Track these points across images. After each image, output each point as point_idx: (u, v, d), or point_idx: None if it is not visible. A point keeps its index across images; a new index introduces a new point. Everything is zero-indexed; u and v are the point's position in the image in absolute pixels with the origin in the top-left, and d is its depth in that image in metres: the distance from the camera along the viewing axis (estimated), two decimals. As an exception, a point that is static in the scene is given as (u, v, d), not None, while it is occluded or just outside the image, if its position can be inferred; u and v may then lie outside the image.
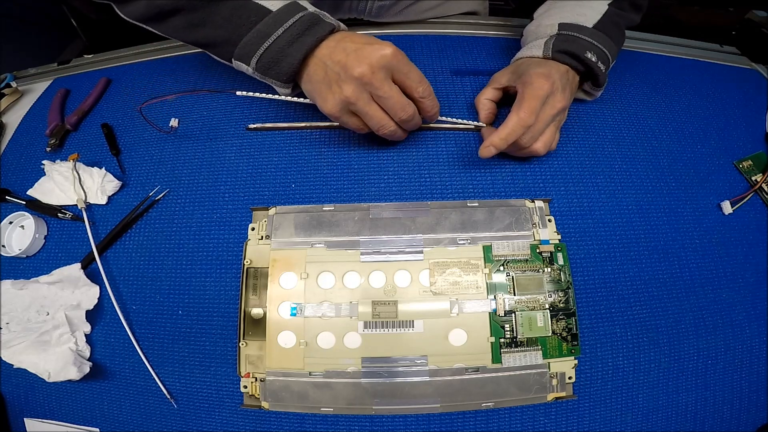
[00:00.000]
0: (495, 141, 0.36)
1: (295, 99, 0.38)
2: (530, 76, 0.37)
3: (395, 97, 0.34)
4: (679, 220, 0.39)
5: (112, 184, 0.40)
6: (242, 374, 0.35)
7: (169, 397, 0.35)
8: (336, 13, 0.49)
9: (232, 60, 0.36)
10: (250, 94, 0.37)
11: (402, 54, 0.33)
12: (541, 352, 0.34)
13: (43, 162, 0.41)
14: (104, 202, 0.40)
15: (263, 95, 0.37)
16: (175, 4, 0.35)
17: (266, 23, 0.34)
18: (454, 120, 0.41)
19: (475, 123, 0.42)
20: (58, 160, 0.42)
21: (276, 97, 0.38)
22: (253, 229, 0.38)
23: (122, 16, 0.39)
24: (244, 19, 0.34)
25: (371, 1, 0.48)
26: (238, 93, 0.37)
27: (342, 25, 0.37)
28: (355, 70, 0.32)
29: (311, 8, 0.36)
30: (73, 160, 0.41)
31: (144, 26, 0.39)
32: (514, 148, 0.37)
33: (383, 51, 0.32)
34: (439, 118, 0.41)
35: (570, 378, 0.34)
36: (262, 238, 0.37)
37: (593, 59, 0.38)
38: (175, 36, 0.38)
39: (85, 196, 0.39)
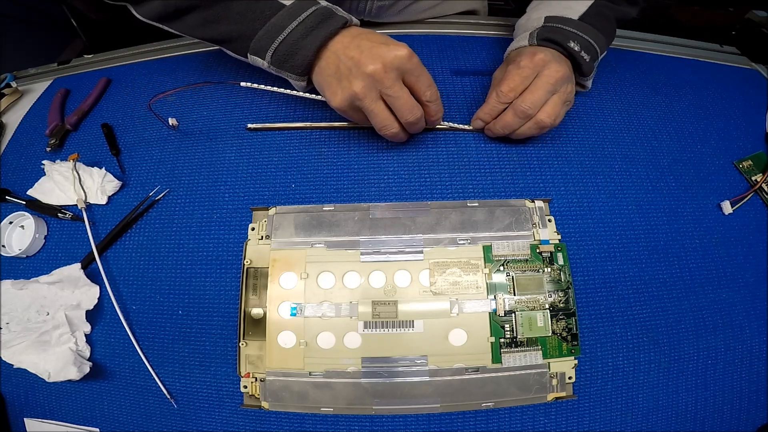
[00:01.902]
0: (480, 115, 0.39)
1: (298, 93, 0.38)
2: (517, 57, 0.38)
3: (404, 97, 0.34)
4: (679, 220, 0.39)
5: (112, 184, 0.40)
6: (242, 374, 0.35)
7: (169, 397, 0.35)
8: None
9: (248, 55, 0.37)
10: (254, 85, 0.38)
11: (416, 57, 0.34)
12: (541, 352, 0.34)
13: (43, 162, 0.41)
14: (104, 202, 0.40)
15: (266, 87, 0.37)
16: (191, 1, 0.36)
17: (280, 17, 0.35)
18: (455, 125, 0.41)
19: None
20: (58, 160, 0.42)
21: (277, 89, 0.37)
22: (253, 229, 0.38)
23: (138, 16, 0.39)
24: (259, 14, 0.35)
25: (371, 1, 0.48)
26: (242, 84, 0.37)
27: (354, 19, 0.37)
28: (368, 67, 0.32)
29: (324, 2, 0.36)
30: (73, 160, 0.41)
31: (158, 25, 0.39)
32: (519, 117, 0.37)
33: (398, 52, 0.33)
34: (447, 126, 0.42)
35: (570, 378, 0.34)
36: (262, 238, 0.37)
37: (576, 48, 0.38)
38: (190, 33, 0.39)
39: (85, 196, 0.39)
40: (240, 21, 0.35)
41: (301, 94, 0.38)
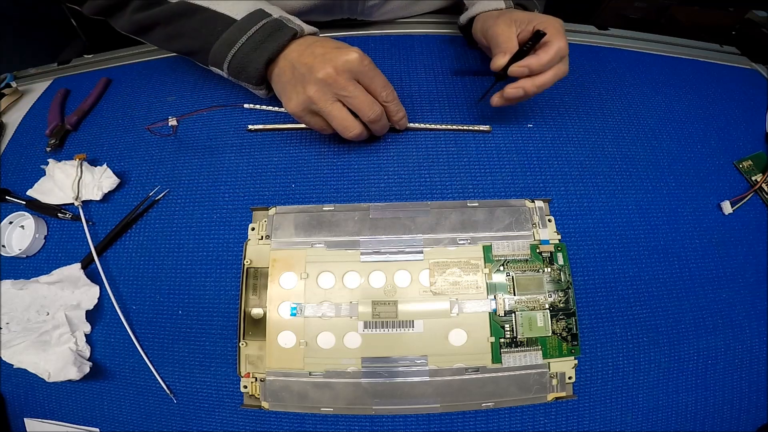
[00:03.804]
0: (534, 64, 0.35)
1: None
2: (537, 16, 0.38)
3: (361, 96, 0.35)
4: (679, 220, 0.39)
5: (110, 181, 0.40)
6: (242, 374, 0.35)
7: (168, 392, 0.35)
8: (331, 13, 0.50)
9: (209, 65, 0.39)
10: (257, 107, 0.39)
11: (368, 59, 0.34)
12: (541, 352, 0.34)
13: (48, 160, 0.41)
14: (98, 198, 0.40)
15: (269, 108, 0.39)
16: (152, 19, 0.38)
17: (231, 32, 0.36)
18: (460, 126, 0.41)
19: (479, 126, 0.42)
20: (63, 161, 0.41)
21: (278, 109, 0.38)
22: (253, 229, 0.38)
23: (116, 29, 0.41)
24: (212, 29, 0.37)
25: (362, 1, 0.48)
26: (246, 106, 0.39)
27: (308, 28, 0.38)
28: (320, 72, 0.33)
29: (276, 14, 0.37)
30: (80, 159, 0.41)
31: (134, 37, 0.42)
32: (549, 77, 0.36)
33: (349, 56, 0.34)
34: (447, 126, 0.42)
35: (570, 378, 0.34)
36: (262, 238, 0.37)
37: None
38: (160, 46, 0.41)
39: (77, 194, 0.39)
40: (196, 36, 0.37)
41: (273, 109, 0.38)
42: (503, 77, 0.37)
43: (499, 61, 0.36)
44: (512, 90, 0.36)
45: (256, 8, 0.37)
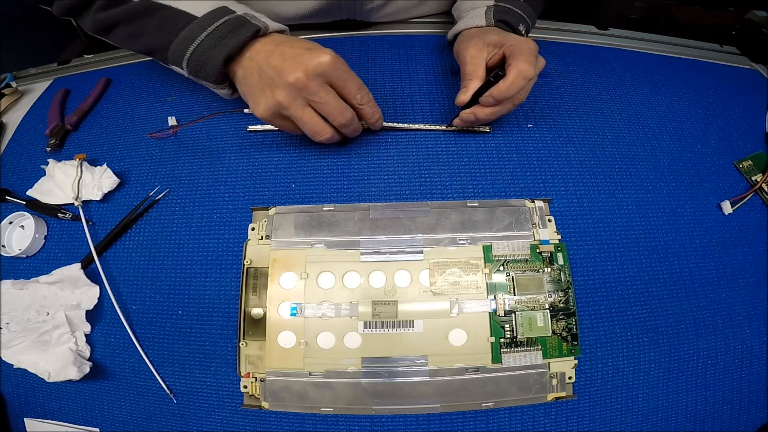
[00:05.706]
0: (495, 93, 0.36)
1: None
2: (511, 38, 0.38)
3: (332, 102, 0.34)
4: (679, 220, 0.39)
5: (110, 181, 0.40)
6: (242, 374, 0.35)
7: (168, 392, 0.35)
8: (330, 15, 0.50)
9: (169, 64, 0.38)
10: (259, 128, 0.39)
11: (341, 61, 0.33)
12: (541, 352, 0.34)
13: (48, 160, 0.41)
14: (98, 198, 0.40)
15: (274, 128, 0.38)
16: (115, 18, 0.37)
17: (191, 29, 0.35)
18: (460, 126, 0.41)
19: (479, 127, 0.42)
20: (63, 160, 0.41)
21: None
22: (253, 229, 0.38)
23: (84, 29, 0.41)
24: (172, 27, 0.36)
25: (360, 1, 0.48)
26: (246, 111, 0.37)
27: (274, 25, 0.37)
28: (290, 76, 0.32)
29: (240, 11, 0.36)
30: (80, 159, 0.41)
31: (100, 38, 0.41)
32: (504, 106, 0.38)
33: (321, 58, 0.32)
34: (449, 126, 0.42)
35: (570, 378, 0.34)
36: (262, 238, 0.37)
37: (522, 31, 0.42)
38: (123, 46, 0.41)
39: (78, 194, 0.39)
40: (157, 34, 0.37)
41: (244, 111, 0.38)
42: (473, 103, 0.39)
43: (460, 98, 0.38)
44: (465, 114, 0.39)
45: (219, 6, 0.36)
